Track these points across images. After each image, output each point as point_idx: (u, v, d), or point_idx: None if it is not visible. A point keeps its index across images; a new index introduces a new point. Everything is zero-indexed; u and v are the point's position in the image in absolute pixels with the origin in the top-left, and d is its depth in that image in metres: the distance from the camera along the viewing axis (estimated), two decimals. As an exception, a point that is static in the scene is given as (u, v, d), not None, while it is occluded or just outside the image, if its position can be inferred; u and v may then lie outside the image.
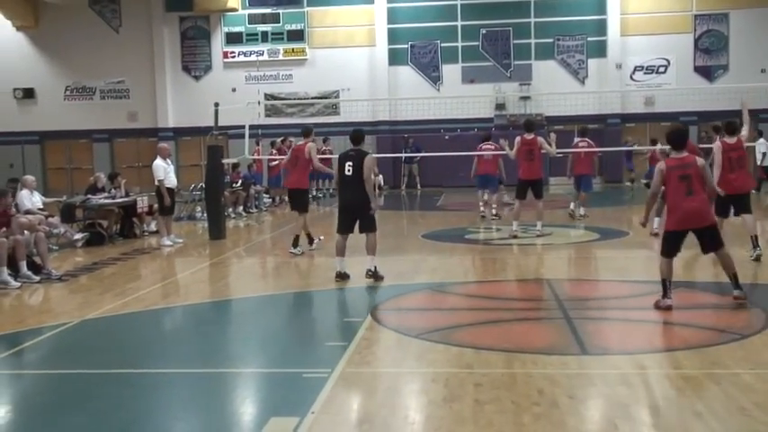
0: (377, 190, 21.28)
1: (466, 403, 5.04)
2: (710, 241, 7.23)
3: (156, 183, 13.27)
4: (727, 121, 10.45)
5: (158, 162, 13.37)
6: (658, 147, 20.08)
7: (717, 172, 9.69)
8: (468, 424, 4.71)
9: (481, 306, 8.27)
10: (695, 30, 26.12)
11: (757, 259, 9.81)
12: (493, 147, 15.50)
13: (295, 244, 11.77)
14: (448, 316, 7.81)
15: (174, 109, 27.80)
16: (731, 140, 10.05)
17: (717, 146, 10.20)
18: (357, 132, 9.75)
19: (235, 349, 7.00)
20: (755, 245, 9.99)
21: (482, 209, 15.87)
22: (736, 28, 25.89)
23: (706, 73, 26.07)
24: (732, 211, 10.17)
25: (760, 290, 7.99)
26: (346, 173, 9.28)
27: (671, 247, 7.34)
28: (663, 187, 7.49)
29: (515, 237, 12.61)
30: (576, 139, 16.02)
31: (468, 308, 8.21)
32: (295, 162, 12.02)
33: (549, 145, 13.31)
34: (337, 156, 9.93)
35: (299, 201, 12.06)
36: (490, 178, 15.71)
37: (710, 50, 26.10)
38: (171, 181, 13.51)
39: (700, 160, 7.42)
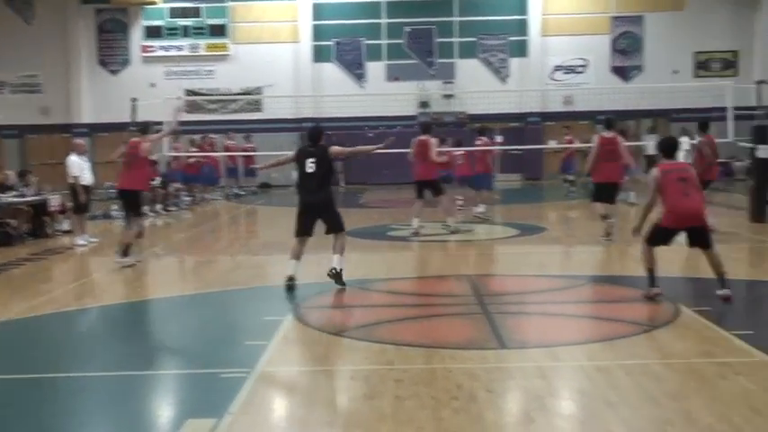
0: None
1: (386, 400, 5.04)
2: (701, 239, 7.61)
3: (71, 180, 12.84)
4: (606, 117, 12.44)
5: (73, 158, 12.94)
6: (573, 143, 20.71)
7: (590, 161, 11.84)
8: (388, 420, 4.70)
9: (402, 303, 8.29)
10: (612, 31, 26.89)
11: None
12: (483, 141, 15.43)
13: (125, 252, 10.63)
14: (369, 313, 7.81)
15: (90, 104, 26.93)
16: (608, 135, 11.69)
17: (595, 139, 12.03)
18: (316, 129, 9.02)
19: (151, 351, 6.82)
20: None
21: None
22: (650, 30, 26.73)
23: (622, 73, 26.85)
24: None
25: (668, 282, 8.25)
26: (308, 170, 8.56)
27: (659, 240, 7.75)
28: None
29: (417, 234, 12.76)
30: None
31: (390, 304, 8.23)
32: (128, 161, 10.90)
33: (436, 151, 13.24)
34: (294, 153, 9.02)
35: (134, 203, 10.92)
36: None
37: (626, 51, 26.89)
38: (86, 178, 13.09)
39: (691, 167, 8.16)
